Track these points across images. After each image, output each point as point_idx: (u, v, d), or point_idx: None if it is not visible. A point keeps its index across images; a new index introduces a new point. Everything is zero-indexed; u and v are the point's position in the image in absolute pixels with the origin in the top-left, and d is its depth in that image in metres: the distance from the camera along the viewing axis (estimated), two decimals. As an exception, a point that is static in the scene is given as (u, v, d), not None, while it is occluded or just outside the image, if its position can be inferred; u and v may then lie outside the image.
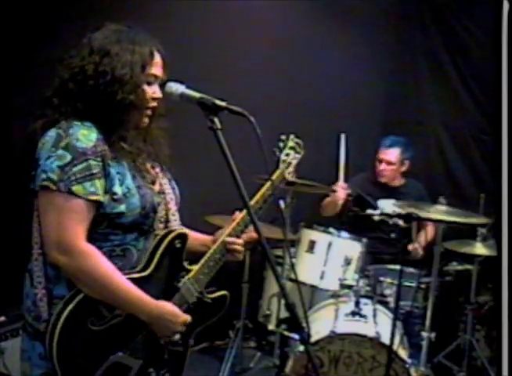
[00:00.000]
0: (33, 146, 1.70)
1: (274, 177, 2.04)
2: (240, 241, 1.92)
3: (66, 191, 1.62)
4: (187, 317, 1.77)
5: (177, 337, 1.78)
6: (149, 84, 1.78)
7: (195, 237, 1.99)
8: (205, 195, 4.03)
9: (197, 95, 1.69)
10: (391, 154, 4.16)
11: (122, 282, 1.68)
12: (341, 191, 3.90)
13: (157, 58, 1.79)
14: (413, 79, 4.86)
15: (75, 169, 1.63)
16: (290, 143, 2.15)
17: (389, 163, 4.16)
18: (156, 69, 1.79)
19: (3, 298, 1.75)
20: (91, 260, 1.65)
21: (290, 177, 2.12)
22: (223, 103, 1.66)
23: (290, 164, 2.12)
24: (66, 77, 1.73)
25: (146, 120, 1.81)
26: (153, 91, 1.79)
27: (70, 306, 1.64)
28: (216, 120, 1.64)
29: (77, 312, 1.65)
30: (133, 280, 1.71)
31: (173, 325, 1.75)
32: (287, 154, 2.12)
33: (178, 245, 1.81)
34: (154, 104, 1.80)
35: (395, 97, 4.85)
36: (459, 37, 4.65)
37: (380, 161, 4.18)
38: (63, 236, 1.63)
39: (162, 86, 1.78)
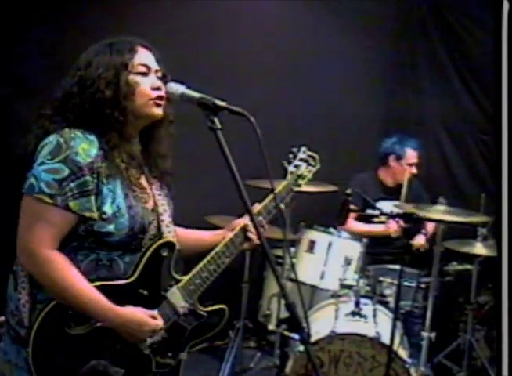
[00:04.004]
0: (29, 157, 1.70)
1: (279, 189, 2.03)
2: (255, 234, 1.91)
3: (63, 206, 1.62)
4: (157, 323, 1.73)
5: (148, 341, 1.73)
6: (143, 74, 1.76)
7: (196, 238, 2.01)
8: (205, 195, 4.03)
9: (197, 95, 1.69)
10: (417, 157, 4.16)
11: (85, 290, 1.64)
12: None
13: (142, 50, 1.79)
14: (413, 79, 4.86)
15: (73, 184, 1.63)
16: (301, 155, 2.15)
17: (417, 166, 4.17)
18: (143, 59, 1.78)
19: (3, 297, 1.75)
20: (54, 269, 1.63)
21: (298, 188, 2.12)
22: (223, 103, 1.66)
23: (300, 176, 2.13)
24: (59, 96, 1.75)
25: (156, 110, 1.78)
26: (151, 81, 1.77)
27: (45, 310, 1.62)
28: (216, 120, 1.63)
29: (52, 316, 1.62)
30: (118, 287, 1.69)
31: (138, 333, 1.71)
32: (296, 166, 2.12)
33: (165, 254, 1.78)
34: (159, 93, 1.77)
35: (395, 97, 4.85)
36: (459, 37, 4.65)
37: (411, 165, 4.14)
38: (29, 242, 1.63)
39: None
